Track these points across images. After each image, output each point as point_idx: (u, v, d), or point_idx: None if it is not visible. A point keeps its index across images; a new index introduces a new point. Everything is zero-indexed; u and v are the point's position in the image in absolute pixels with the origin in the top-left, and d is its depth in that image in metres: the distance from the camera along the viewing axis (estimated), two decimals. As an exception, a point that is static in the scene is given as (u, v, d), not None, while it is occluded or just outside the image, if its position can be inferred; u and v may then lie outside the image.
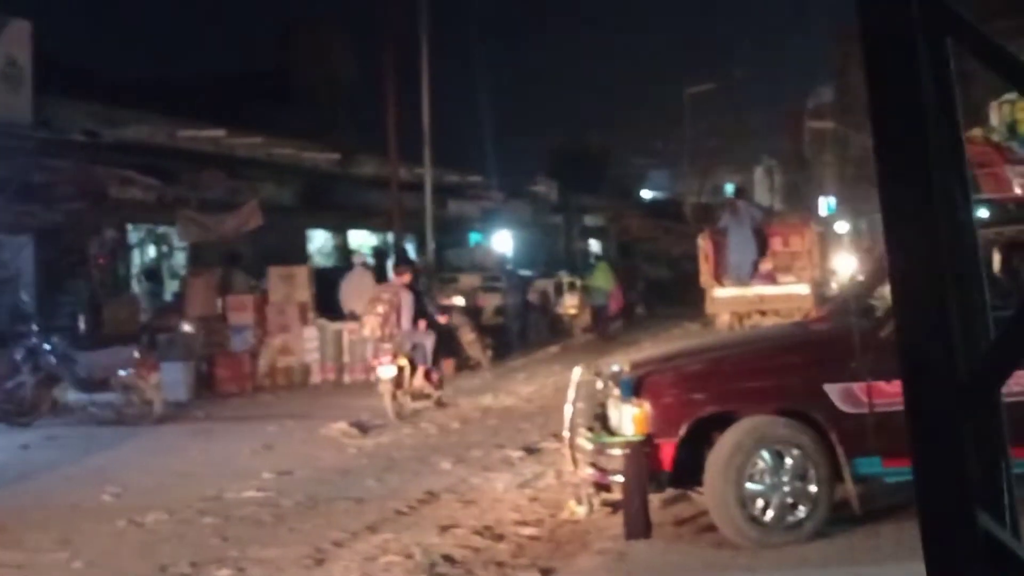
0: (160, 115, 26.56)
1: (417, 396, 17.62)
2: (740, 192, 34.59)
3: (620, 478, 8.84)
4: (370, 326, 17.63)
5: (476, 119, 44.26)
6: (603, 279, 32.50)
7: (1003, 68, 1.35)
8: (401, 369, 17.15)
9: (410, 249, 31.67)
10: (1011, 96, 9.52)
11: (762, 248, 27.26)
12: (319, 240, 33.02)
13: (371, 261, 23.83)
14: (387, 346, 17.09)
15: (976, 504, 1.28)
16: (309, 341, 22.08)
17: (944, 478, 1.32)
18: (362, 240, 34.62)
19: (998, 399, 1.34)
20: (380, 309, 17.46)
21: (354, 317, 20.26)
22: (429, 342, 18.00)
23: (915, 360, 1.33)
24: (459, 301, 27.22)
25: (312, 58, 41.47)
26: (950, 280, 1.32)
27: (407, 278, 18.38)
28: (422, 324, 18.01)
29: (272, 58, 43.35)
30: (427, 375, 17.85)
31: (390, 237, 31.31)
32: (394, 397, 16.86)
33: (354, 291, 21.40)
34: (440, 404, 17.77)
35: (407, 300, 17.67)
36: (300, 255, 27.77)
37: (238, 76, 38.96)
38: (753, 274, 26.99)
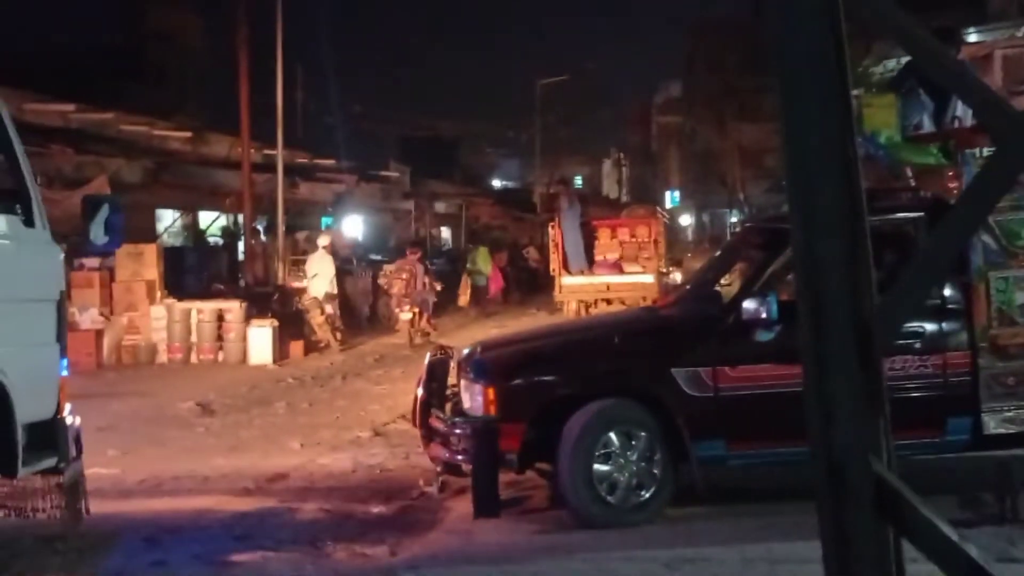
0: (5, 87, 25.67)
1: (423, 334, 24.62)
2: (565, 182, 35.25)
3: (469, 458, 8.81)
4: (397, 287, 25.36)
5: (329, 102, 43.85)
6: (483, 262, 35.05)
7: (905, 35, 1.34)
8: (414, 315, 24.83)
9: (260, 230, 31.27)
10: (857, 92, 9.72)
11: (588, 238, 27.72)
12: (168, 219, 32.34)
13: (325, 242, 25.53)
14: (407, 301, 24.89)
15: (868, 451, 1.26)
16: (157, 320, 21.60)
17: (841, 424, 1.29)
18: (210, 220, 34.06)
19: (880, 354, 1.34)
20: (404, 276, 25.30)
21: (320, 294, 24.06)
22: (431, 298, 25.86)
23: (814, 308, 1.30)
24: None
25: (163, 34, 40.70)
26: (848, 230, 1.30)
27: (419, 254, 26.55)
28: (427, 286, 25.58)
29: (123, 33, 42.35)
30: (428, 320, 25.55)
31: (240, 218, 30.85)
32: (409, 332, 24.55)
33: (319, 270, 24.23)
34: (430, 340, 22.60)
35: (420, 270, 25.50)
36: (149, 234, 27.14)
37: (88, 51, 37.99)
38: (593, 263, 27.38)
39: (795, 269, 1.34)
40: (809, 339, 1.29)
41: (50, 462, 7.36)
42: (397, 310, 25.53)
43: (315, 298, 24.79)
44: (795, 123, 1.42)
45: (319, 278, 24.12)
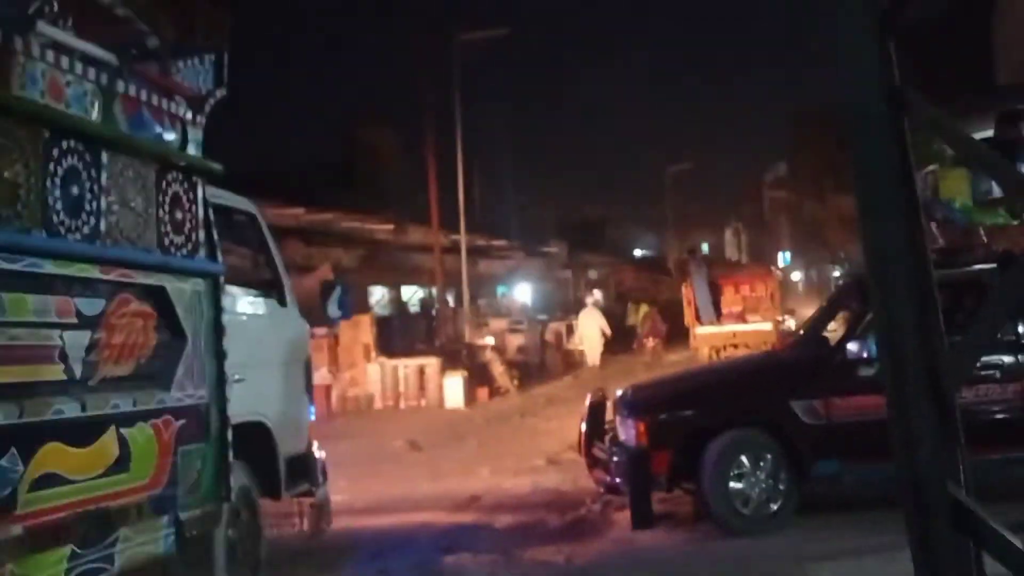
0: (253, 197, 26.67)
1: (658, 354, 29.81)
2: (693, 251, 35.45)
3: (626, 481, 8.83)
4: (646, 326, 31.06)
5: (501, 194, 44.51)
6: (637, 316, 36.49)
7: (952, 138, 1.41)
8: (655, 343, 30.21)
9: (450, 299, 31.77)
10: (934, 167, 9.54)
11: (715, 295, 27.62)
12: (378, 294, 33.13)
13: (599, 300, 30.86)
14: (651, 336, 30.48)
15: (946, 476, 1.32)
16: (372, 375, 22.11)
17: (920, 454, 1.35)
18: (410, 293, 34.76)
19: (953, 395, 1.39)
20: (649, 320, 30.97)
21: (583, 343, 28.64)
22: (664, 329, 31.36)
23: (893, 360, 1.37)
24: (490, 340, 27.25)
25: (368, 148, 41.84)
26: (918, 297, 1.37)
27: (656, 308, 32.34)
28: (661, 325, 31.31)
29: (338, 149, 43.70)
30: (662, 346, 30.62)
31: (434, 290, 31.44)
32: (653, 353, 29.69)
33: (588, 322, 28.17)
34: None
35: (658, 316, 31.19)
36: (364, 306, 27.82)
37: (313, 165, 39.31)
38: (719, 315, 27.18)
39: (875, 328, 1.40)
40: (890, 385, 1.36)
41: (304, 487, 7.70)
42: (646, 341, 31.51)
43: (495, 351, 25.14)
44: (869, 213, 1.49)
45: (591, 335, 27.65)
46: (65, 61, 4.89)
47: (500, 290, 39.40)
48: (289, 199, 27.77)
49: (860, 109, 1.48)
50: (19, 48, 4.58)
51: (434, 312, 30.90)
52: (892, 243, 1.43)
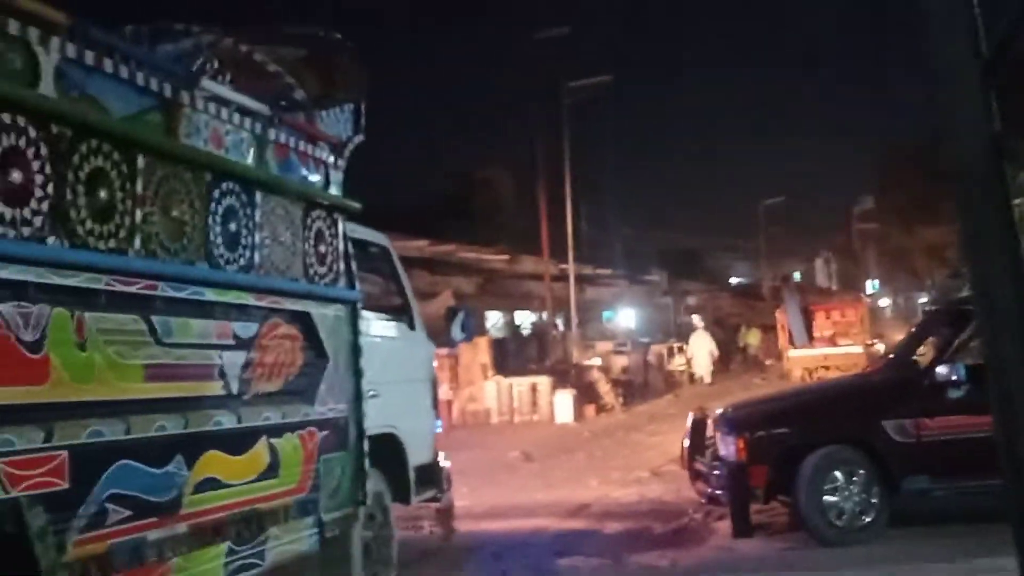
0: (383, 231, 27.13)
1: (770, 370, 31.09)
2: (786, 279, 35.64)
3: (726, 492, 8.70)
4: (754, 344, 35.06)
5: (606, 226, 44.44)
6: (754, 338, 38.10)
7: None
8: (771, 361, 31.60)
9: (559, 323, 31.78)
10: (1018, 200, 9.21)
11: (807, 320, 27.28)
12: (494, 318, 33.34)
13: (702, 324, 30.80)
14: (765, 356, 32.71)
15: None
16: (489, 392, 22.22)
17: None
18: (523, 317, 34.86)
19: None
20: (762, 342, 33.66)
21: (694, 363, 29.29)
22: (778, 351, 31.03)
23: (1002, 393, 1.34)
24: (596, 361, 27.14)
25: (484, 185, 42.30)
26: (1022, 328, 1.33)
27: (766, 332, 34.50)
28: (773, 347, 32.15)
29: (457, 185, 44.28)
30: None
31: (544, 315, 31.50)
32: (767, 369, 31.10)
33: (698, 343, 29.15)
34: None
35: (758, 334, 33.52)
36: (481, 329, 28.02)
37: (436, 202, 39.93)
38: (812, 339, 26.76)
39: (986, 365, 1.37)
40: (997, 414, 1.32)
41: (431, 493, 7.74)
42: (764, 360, 33.86)
43: (601, 371, 25.03)
44: (974, 251, 1.46)
45: (701, 355, 28.43)
46: (224, 112, 5.09)
47: (605, 315, 39.25)
48: (415, 232, 28.21)
49: (963, 155, 1.46)
50: (186, 102, 4.79)
51: (548, 335, 30.95)
52: (996, 278, 1.40)
